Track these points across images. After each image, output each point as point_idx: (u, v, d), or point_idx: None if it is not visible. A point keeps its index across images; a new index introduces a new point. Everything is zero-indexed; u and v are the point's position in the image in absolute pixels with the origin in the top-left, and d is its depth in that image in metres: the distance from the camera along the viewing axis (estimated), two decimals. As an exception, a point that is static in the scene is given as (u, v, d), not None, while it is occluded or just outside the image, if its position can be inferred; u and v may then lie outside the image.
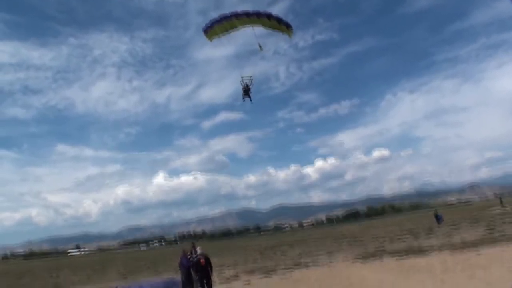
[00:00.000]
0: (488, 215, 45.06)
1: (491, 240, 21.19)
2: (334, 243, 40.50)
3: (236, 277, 21.04)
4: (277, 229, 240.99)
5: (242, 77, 19.72)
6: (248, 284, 18.57)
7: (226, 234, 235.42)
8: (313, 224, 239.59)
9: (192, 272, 15.59)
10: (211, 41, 15.60)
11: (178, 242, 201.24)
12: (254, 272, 22.89)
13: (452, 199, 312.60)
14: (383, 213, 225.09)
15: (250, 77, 19.97)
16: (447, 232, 31.98)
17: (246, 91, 20.15)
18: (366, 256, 23.99)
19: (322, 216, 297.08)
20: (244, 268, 24.23)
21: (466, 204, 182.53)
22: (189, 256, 16.25)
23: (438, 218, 42.07)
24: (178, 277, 18.43)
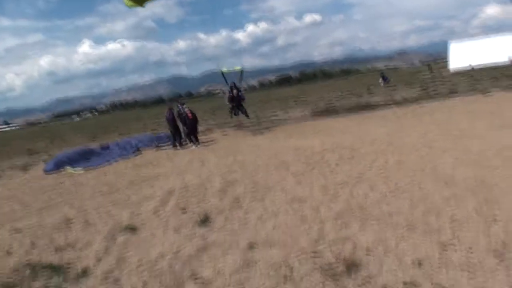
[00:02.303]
0: (419, 79, 51.27)
1: (428, 96, 25.74)
2: (281, 103, 44.60)
3: (209, 130, 24.13)
4: (210, 94, 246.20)
5: (222, 72, 19.48)
6: (226, 134, 21.95)
7: (158, 102, 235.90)
8: (245, 89, 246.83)
9: (180, 125, 18.52)
10: None
11: (110, 112, 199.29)
12: (223, 125, 26.27)
13: (381, 65, 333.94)
14: (315, 79, 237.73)
15: (241, 70, 19.76)
16: (387, 91, 36.78)
17: (235, 99, 20.19)
18: (321, 111, 28.07)
19: (254, 82, 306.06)
20: (206, 126, 26.92)
21: (395, 70, 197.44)
22: (176, 110, 18.79)
23: (384, 79, 47.58)
24: (162, 132, 21.49)
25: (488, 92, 22.68)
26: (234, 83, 20.37)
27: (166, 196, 9.41)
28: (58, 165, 16.26)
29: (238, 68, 19.86)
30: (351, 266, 4.49)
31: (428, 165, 8.64)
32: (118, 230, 7.19)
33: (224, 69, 19.39)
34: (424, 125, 14.26)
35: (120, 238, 6.69)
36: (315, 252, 5.01)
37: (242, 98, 20.58)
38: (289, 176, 9.53)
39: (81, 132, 47.91)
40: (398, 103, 24.70)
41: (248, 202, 7.89)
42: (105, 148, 20.42)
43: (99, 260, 5.81)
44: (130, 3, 11.03)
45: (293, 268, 4.69)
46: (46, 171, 15.92)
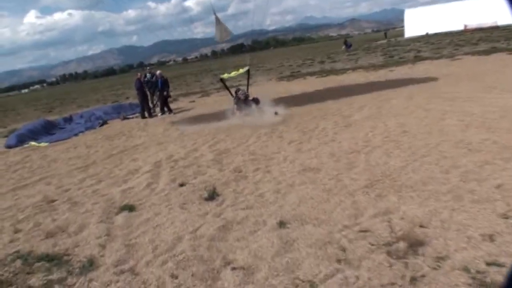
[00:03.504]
0: (377, 46, 51.84)
1: (395, 62, 25.79)
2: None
3: (175, 100, 22.90)
4: (162, 64, 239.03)
5: (222, 78, 14.27)
6: (193, 101, 20.97)
7: (109, 73, 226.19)
8: (197, 58, 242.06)
9: (148, 92, 17.94)
10: None
11: (60, 83, 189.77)
12: (189, 95, 25.16)
13: (333, 33, 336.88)
14: (268, 47, 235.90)
15: (247, 69, 14.34)
16: (349, 59, 36.70)
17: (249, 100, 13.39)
18: (288, 77, 27.48)
19: (207, 50, 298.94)
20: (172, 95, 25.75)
21: (347, 37, 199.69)
22: (145, 79, 18.10)
23: (347, 45, 47.68)
24: (124, 102, 20.62)
25: (455, 56, 22.98)
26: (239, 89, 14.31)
27: (155, 169, 8.55)
28: (21, 140, 14.91)
29: (242, 70, 14.57)
30: (414, 244, 3.95)
31: (433, 127, 8.29)
32: (113, 210, 6.30)
33: (225, 75, 14.60)
34: (406, 89, 14.02)
35: (119, 220, 5.80)
36: (363, 230, 4.43)
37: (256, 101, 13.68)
38: (285, 145, 8.90)
39: (34, 105, 44.49)
40: (366, 68, 24.56)
41: (253, 173, 7.20)
42: (68, 120, 19.24)
43: (103, 247, 4.91)
44: None
45: (345, 248, 4.09)
46: (8, 146, 14.51)
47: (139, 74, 18.33)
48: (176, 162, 8.87)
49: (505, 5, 1.40)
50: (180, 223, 5.40)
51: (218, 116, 13.63)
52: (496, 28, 47.18)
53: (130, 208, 6.26)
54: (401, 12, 71.84)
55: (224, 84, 14.42)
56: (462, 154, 6.37)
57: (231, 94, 13.73)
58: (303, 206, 5.35)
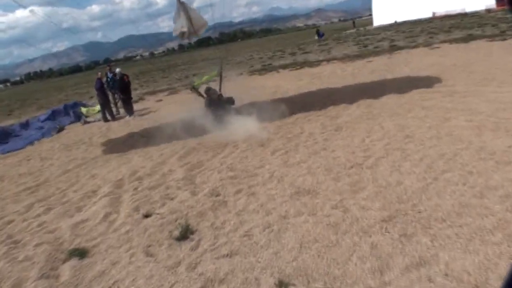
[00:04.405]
0: (347, 36, 51.15)
1: (371, 52, 24.78)
2: (210, 65, 41.80)
3: (141, 99, 21.28)
4: (128, 59, 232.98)
5: (193, 86, 12.16)
6: (161, 100, 19.41)
7: (75, 70, 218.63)
8: (164, 52, 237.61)
9: (109, 93, 16.55)
10: None
11: (25, 82, 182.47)
12: (156, 93, 23.52)
13: (300, 23, 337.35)
14: (235, 39, 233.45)
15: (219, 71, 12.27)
16: (321, 49, 35.67)
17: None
18: (260, 71, 26.13)
19: (174, 44, 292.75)
20: (136, 95, 24.10)
21: (314, 27, 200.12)
22: (105, 78, 16.74)
23: (319, 35, 46.90)
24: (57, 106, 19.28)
25: (433, 45, 22.22)
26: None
27: (115, 190, 7.13)
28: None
29: (214, 73, 12.97)
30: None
31: (440, 130, 7.14)
32: (60, 256, 4.91)
33: (197, 82, 12.90)
34: (394, 82, 12.93)
35: (66, 272, 4.47)
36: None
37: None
38: (269, 156, 7.57)
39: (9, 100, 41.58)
40: (342, 59, 23.51)
41: (234, 196, 5.87)
42: (25, 126, 17.37)
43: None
44: None
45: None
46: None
47: (99, 73, 16.82)
48: (140, 181, 7.43)
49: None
50: (144, 280, 4.04)
51: (187, 122, 11.93)
52: (464, 15, 47.32)
53: (81, 253, 4.87)
54: (367, 1, 71.77)
55: (196, 92, 12.40)
56: (491, 169, 5.21)
57: (203, 96, 12.05)
58: (305, 253, 4.05)
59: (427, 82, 11.87)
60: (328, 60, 24.42)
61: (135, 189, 7.06)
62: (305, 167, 6.53)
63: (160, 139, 10.56)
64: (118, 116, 16.45)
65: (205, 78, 12.80)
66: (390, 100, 10.34)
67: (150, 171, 8.00)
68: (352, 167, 6.20)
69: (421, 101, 9.57)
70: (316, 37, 47.62)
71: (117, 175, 8.12)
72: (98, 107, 16.95)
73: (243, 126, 9.82)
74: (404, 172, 5.61)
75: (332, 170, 6.18)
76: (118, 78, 15.99)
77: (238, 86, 17.73)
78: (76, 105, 19.41)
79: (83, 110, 18.00)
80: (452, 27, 33.03)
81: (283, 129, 9.50)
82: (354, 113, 9.75)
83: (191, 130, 10.78)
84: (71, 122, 17.37)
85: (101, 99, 16.11)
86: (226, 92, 12.35)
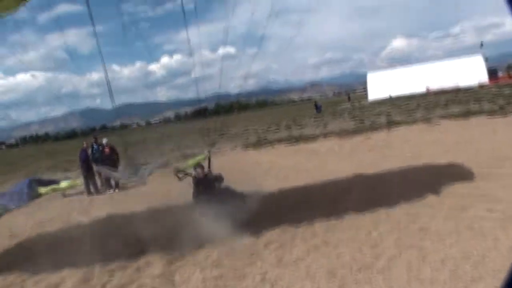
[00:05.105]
0: (342, 110, 51.81)
1: (369, 128, 24.46)
2: (205, 136, 41.54)
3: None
4: (124, 127, 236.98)
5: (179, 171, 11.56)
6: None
7: (71, 136, 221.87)
8: (161, 122, 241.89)
9: (94, 166, 15.20)
10: None
11: (20, 146, 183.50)
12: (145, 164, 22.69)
13: (294, 97, 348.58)
14: (231, 110, 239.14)
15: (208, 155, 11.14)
16: (316, 123, 35.59)
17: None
18: (254, 145, 25.61)
19: (170, 114, 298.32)
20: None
21: (310, 101, 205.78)
22: (90, 149, 15.88)
23: (317, 107, 47.51)
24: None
25: (432, 121, 21.99)
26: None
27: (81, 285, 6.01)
28: None
29: (202, 156, 11.90)
30: None
31: (459, 222, 6.28)
32: None
33: (182, 167, 11.75)
34: (395, 163, 12.23)
35: None
36: None
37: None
38: (261, 248, 6.59)
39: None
40: (339, 134, 23.09)
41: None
42: (2, 196, 16.18)
43: None
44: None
45: None
46: None
47: (85, 143, 16.12)
48: (111, 275, 6.37)
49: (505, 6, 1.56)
50: None
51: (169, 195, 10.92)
52: (458, 90, 48.38)
53: None
54: (360, 76, 74.43)
55: (182, 173, 11.18)
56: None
57: (189, 175, 11.08)
58: None
59: (432, 164, 11.15)
60: (324, 135, 24.00)
61: (103, 286, 6.01)
62: (304, 269, 5.55)
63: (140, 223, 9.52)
64: (103, 189, 15.49)
65: (190, 162, 12.10)
66: (394, 185, 9.53)
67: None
68: (359, 268, 5.25)
69: (430, 185, 8.77)
70: (315, 111, 48.27)
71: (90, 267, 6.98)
72: (80, 180, 15.95)
73: (231, 210, 8.86)
74: (424, 279, 4.66)
75: (336, 275, 5.20)
76: (109, 151, 15.42)
77: (231, 162, 17.07)
78: (31, 184, 16.46)
79: (42, 190, 15.93)
80: (448, 101, 33.35)
81: (278, 214, 8.56)
82: (356, 197, 8.91)
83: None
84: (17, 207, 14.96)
85: (84, 170, 15.35)
86: (216, 170, 11.54)
